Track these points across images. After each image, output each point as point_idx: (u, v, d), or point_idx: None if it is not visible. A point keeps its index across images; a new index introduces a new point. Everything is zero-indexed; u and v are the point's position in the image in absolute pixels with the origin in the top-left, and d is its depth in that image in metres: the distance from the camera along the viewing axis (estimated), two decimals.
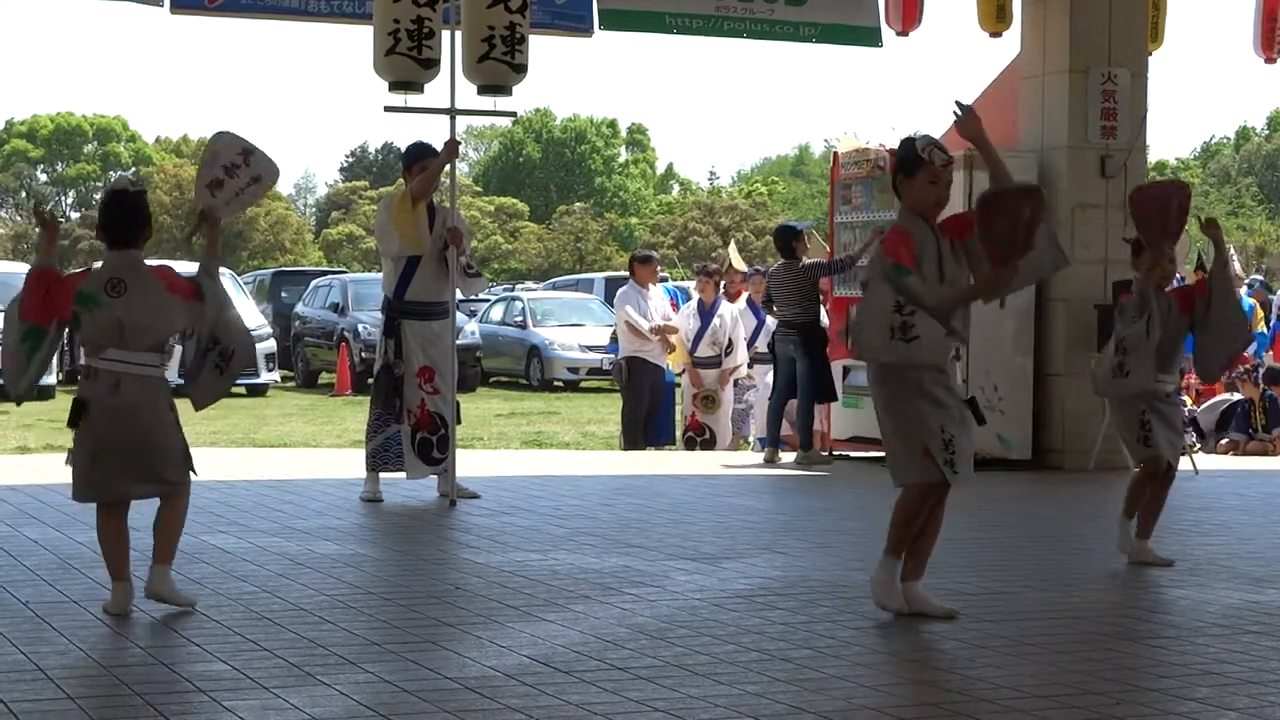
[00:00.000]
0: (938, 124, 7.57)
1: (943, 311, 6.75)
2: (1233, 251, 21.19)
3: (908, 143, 7.03)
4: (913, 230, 6.85)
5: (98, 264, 6.95)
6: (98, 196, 78.04)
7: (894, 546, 6.98)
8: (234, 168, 7.17)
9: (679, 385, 16.13)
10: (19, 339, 6.84)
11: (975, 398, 7.16)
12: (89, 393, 6.80)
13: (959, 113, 6.96)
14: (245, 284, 30.05)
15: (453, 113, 10.78)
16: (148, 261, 6.91)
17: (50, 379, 23.65)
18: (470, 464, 12.12)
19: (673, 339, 15.54)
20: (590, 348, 27.60)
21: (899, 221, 6.99)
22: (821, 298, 14.31)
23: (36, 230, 7.56)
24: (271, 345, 25.96)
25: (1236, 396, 16.96)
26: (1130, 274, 8.90)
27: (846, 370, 14.04)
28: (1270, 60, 15.12)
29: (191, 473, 6.98)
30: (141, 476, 6.83)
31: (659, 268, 16.61)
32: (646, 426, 15.57)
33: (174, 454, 6.88)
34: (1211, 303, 8.35)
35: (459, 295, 11.01)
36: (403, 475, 10.77)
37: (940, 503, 7.04)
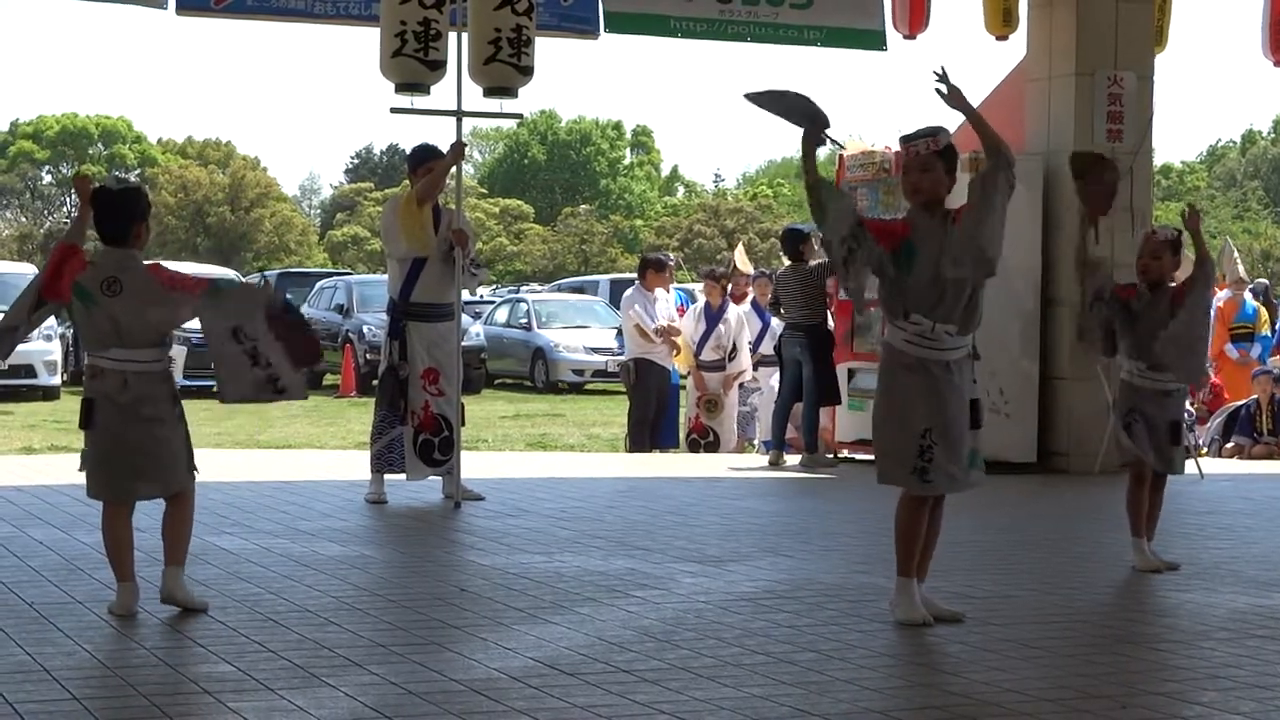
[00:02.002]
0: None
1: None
2: (1237, 255, 21.22)
3: None
4: (913, 222, 6.88)
5: (96, 251, 6.93)
6: None
7: (904, 565, 6.91)
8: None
9: (684, 388, 16.13)
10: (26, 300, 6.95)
11: (979, 400, 7.07)
12: (96, 391, 6.82)
13: (941, 88, 6.97)
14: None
15: (459, 114, 10.78)
16: (145, 261, 6.93)
17: (55, 380, 23.74)
18: (475, 466, 12.12)
19: (677, 341, 15.55)
20: (595, 350, 27.60)
21: (907, 213, 7.04)
22: (828, 300, 14.30)
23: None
24: None
25: (1234, 404, 16.95)
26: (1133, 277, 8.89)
27: (852, 373, 14.03)
28: (1279, 63, 15.07)
29: (194, 472, 7.00)
30: (148, 476, 6.85)
31: (670, 273, 16.48)
32: (652, 429, 15.57)
33: (180, 453, 6.90)
34: (1185, 302, 8.34)
35: (465, 295, 11.01)
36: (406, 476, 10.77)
37: (938, 504, 7.01)
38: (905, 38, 14.51)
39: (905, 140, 6.95)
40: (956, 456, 6.86)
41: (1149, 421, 8.40)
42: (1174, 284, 8.53)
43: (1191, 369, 8.57)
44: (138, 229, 6.89)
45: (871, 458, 13.61)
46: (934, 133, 6.93)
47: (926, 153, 6.85)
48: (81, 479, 6.99)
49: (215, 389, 7.08)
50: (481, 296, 34.69)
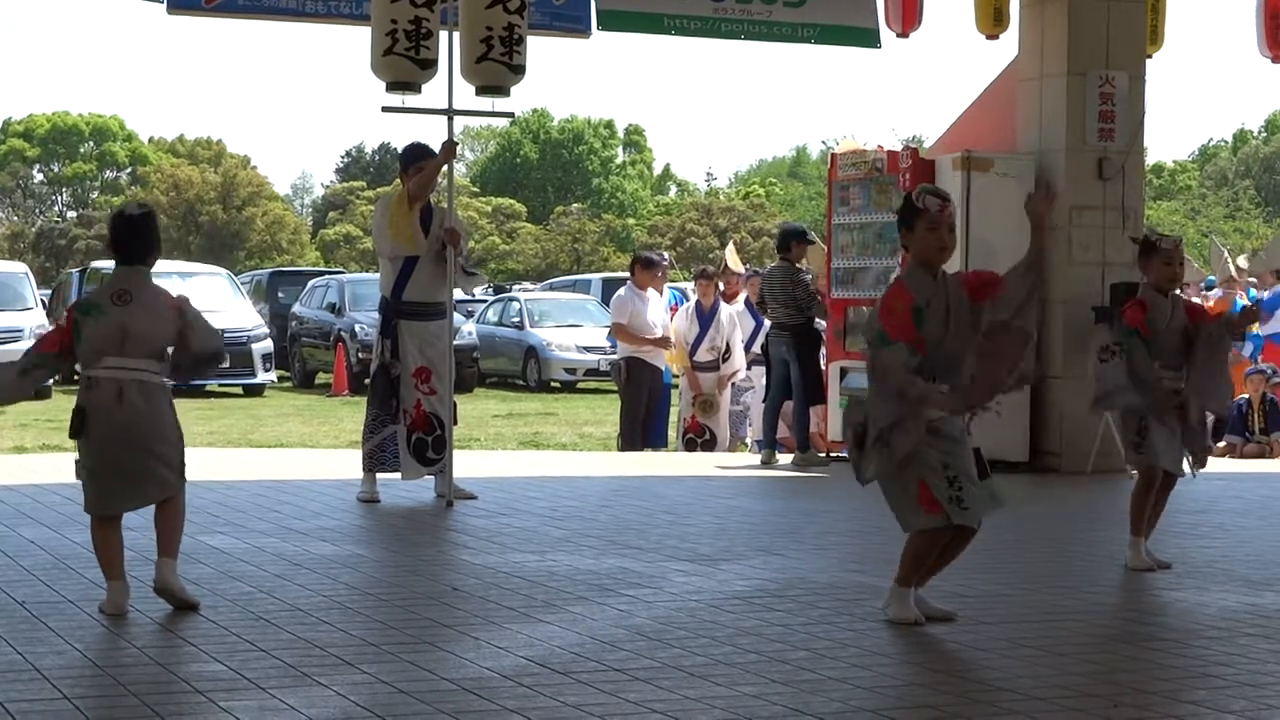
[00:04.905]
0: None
1: (905, 400, 6.58)
2: (1227, 255, 21.22)
3: (905, 197, 7.01)
4: (916, 287, 6.73)
5: (95, 264, 7.04)
6: (95, 196, 78.25)
7: (905, 578, 6.87)
8: None
9: (676, 386, 16.12)
10: (31, 362, 7.04)
11: (979, 449, 6.96)
12: (91, 402, 6.81)
13: (1036, 193, 6.87)
14: (242, 284, 30.06)
15: (450, 113, 10.77)
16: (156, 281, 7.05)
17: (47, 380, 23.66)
18: (467, 465, 12.11)
19: (669, 348, 15.51)
20: (587, 349, 27.59)
21: (905, 276, 6.89)
22: (820, 299, 14.31)
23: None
24: (268, 345, 25.97)
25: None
26: (1130, 277, 8.89)
27: (844, 371, 14.03)
28: (1277, 59, 15.07)
29: (183, 477, 7.00)
30: (140, 486, 6.85)
31: (664, 273, 16.39)
32: (644, 427, 15.56)
33: (173, 463, 6.91)
34: (1212, 347, 8.34)
35: (458, 294, 11.00)
36: (399, 476, 10.76)
37: (960, 541, 6.89)
38: (898, 36, 14.53)
39: (932, 195, 6.78)
40: (979, 487, 6.78)
41: (1164, 423, 8.37)
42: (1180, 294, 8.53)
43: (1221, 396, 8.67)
44: (154, 253, 7.05)
45: None
46: (946, 195, 6.91)
47: (950, 215, 6.81)
48: (74, 479, 6.98)
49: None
50: (474, 295, 34.69)
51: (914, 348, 6.61)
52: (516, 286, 41.86)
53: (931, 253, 6.79)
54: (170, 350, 6.97)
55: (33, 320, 23.56)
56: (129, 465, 6.81)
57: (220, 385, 25.76)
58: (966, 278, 6.88)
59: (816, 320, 14.18)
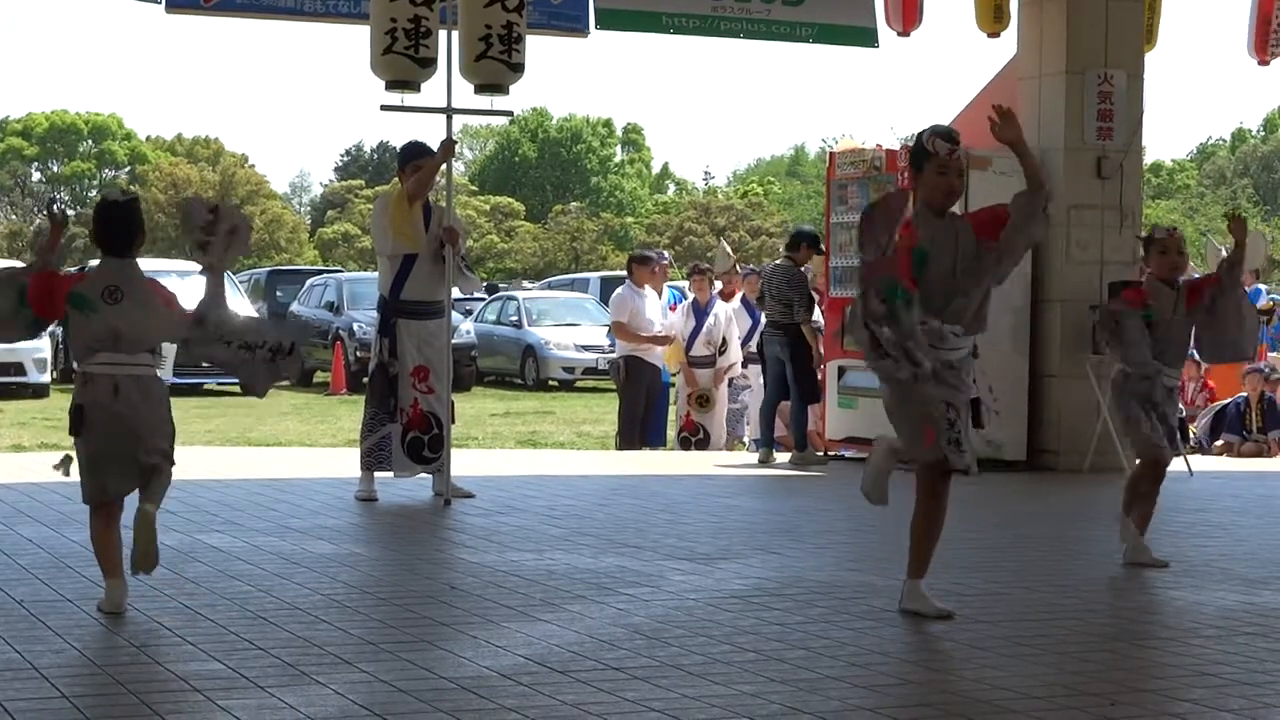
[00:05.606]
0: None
1: (899, 336, 6.64)
2: (1224, 253, 21.21)
3: (915, 137, 7.00)
4: (922, 227, 6.78)
5: (93, 262, 6.97)
6: (93, 195, 78.22)
7: (916, 567, 6.92)
8: (210, 225, 7.07)
9: (674, 385, 16.12)
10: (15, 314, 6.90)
11: (981, 400, 7.05)
12: (87, 398, 6.81)
13: (996, 117, 6.89)
14: (241, 283, 30.06)
15: (449, 112, 10.78)
16: (144, 270, 6.97)
17: (45, 378, 23.71)
18: (465, 463, 12.12)
19: (666, 344, 15.51)
20: (586, 347, 27.58)
21: (912, 216, 6.88)
22: (817, 298, 14.30)
23: (41, 223, 7.55)
24: None
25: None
26: (1129, 275, 8.90)
27: (842, 370, 14.04)
28: (1264, 62, 15.14)
29: (171, 463, 6.97)
30: (134, 473, 6.85)
31: (660, 269, 16.37)
32: (643, 426, 15.56)
33: (164, 452, 6.91)
34: (1219, 296, 8.34)
35: (456, 293, 11.00)
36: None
37: (944, 483, 6.95)
38: (898, 35, 14.53)
39: (942, 139, 6.79)
40: (969, 440, 6.85)
41: (1162, 416, 8.38)
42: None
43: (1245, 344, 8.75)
44: (139, 240, 6.99)
45: (862, 455, 13.68)
46: (957, 136, 6.88)
47: (959, 160, 6.81)
48: (67, 477, 6.98)
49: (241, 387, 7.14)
50: (474, 295, 34.67)
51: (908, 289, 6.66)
52: (515, 285, 41.81)
53: (939, 196, 6.81)
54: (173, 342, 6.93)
55: None
56: (128, 454, 6.80)
57: (218, 384, 25.75)
58: (974, 217, 6.89)
59: (815, 318, 14.19)
